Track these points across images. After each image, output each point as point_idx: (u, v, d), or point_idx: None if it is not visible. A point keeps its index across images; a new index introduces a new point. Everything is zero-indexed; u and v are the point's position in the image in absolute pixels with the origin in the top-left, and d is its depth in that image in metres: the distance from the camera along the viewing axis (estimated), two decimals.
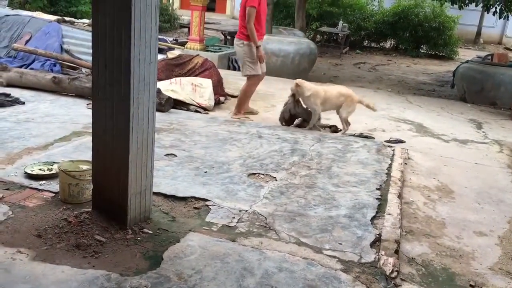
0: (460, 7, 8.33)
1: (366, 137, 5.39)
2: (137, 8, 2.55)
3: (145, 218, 2.94)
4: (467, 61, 9.42)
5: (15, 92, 5.60)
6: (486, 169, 4.75)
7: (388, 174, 4.14)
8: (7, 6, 8.79)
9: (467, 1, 7.50)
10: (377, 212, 3.38)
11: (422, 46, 15.64)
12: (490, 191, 4.16)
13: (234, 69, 10.64)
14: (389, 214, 3.33)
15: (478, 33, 19.38)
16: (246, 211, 3.23)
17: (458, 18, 15.07)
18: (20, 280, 2.28)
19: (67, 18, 7.87)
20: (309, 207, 3.40)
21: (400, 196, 3.70)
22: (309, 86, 5.43)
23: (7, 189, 3.20)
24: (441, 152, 5.13)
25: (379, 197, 3.65)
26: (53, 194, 3.19)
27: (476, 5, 8.24)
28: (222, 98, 6.50)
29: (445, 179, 4.32)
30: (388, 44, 16.60)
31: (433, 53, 15.54)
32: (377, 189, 3.81)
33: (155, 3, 2.66)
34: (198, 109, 5.95)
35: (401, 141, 5.36)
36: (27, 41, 6.81)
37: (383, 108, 7.13)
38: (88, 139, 4.25)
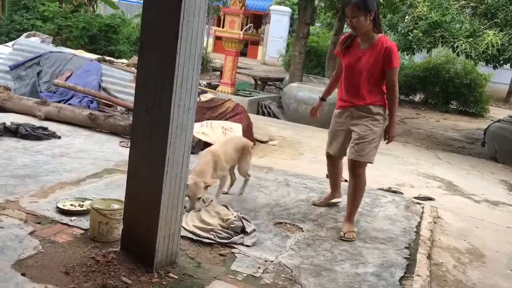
0: (495, 67, 8.32)
1: (395, 191, 5.32)
2: (181, 57, 2.65)
3: (172, 262, 2.94)
4: (498, 120, 9.32)
5: (52, 126, 5.78)
6: None
7: (417, 233, 4.06)
8: (51, 43, 9.17)
9: (501, 62, 7.48)
10: (405, 273, 3.29)
11: (452, 101, 15.55)
12: None
13: (264, 114, 10.79)
14: (418, 275, 3.24)
15: (510, 92, 19.26)
16: (272, 261, 3.20)
17: (490, 76, 15.02)
18: None
19: (107, 58, 8.16)
20: (336, 262, 3.34)
21: (429, 257, 3.61)
22: None
23: (38, 223, 3.25)
24: (472, 213, 5.01)
25: (408, 256, 3.57)
26: (83, 231, 3.22)
27: (511, 66, 8.22)
28: None
29: (476, 242, 4.20)
30: (417, 97, 16.59)
31: (463, 109, 15.43)
32: (406, 247, 3.73)
33: (198, 53, 2.76)
34: None
35: (431, 199, 5.27)
36: (67, 78, 7.07)
37: (412, 163, 7.07)
38: (119, 177, 4.33)
